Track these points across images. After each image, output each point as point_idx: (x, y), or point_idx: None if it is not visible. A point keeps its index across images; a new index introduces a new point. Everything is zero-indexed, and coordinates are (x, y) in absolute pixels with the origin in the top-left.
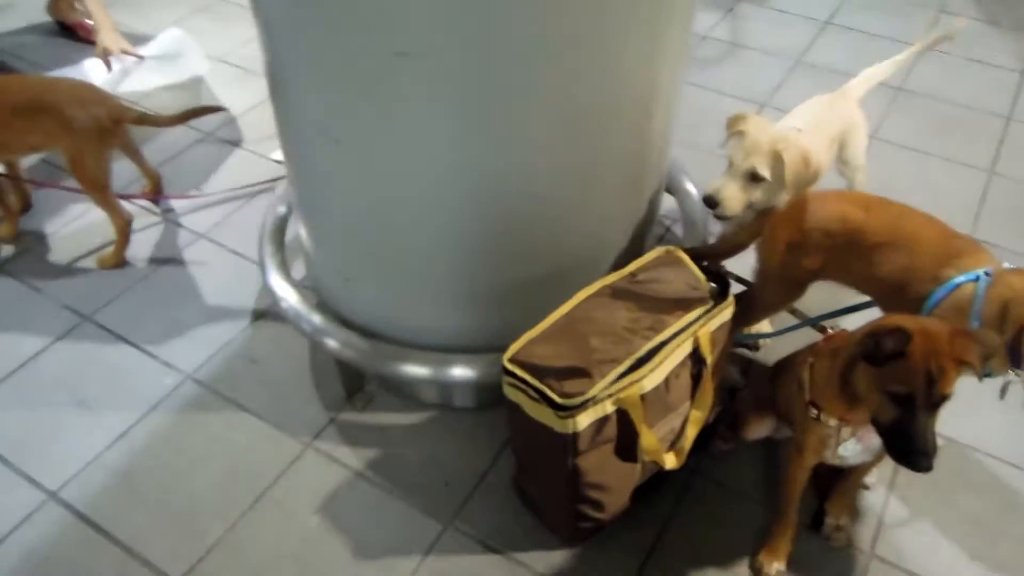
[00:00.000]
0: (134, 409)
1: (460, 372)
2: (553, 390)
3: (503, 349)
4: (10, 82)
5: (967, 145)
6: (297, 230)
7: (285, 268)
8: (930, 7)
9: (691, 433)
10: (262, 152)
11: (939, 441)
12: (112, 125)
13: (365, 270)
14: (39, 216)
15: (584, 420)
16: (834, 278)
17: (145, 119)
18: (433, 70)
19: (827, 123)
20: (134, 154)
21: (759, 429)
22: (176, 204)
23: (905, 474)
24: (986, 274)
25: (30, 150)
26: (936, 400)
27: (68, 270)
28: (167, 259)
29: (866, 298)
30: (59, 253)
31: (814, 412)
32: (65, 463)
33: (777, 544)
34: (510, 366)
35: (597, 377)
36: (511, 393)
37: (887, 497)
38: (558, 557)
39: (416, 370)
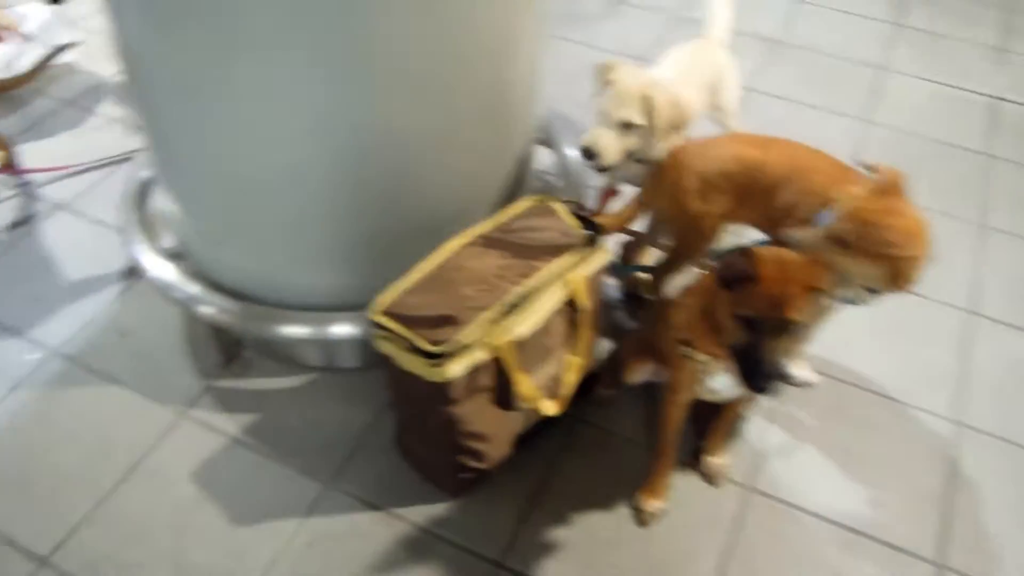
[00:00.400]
0: None
1: (340, 330)
2: (423, 339)
3: None
4: None
5: (842, 95)
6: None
7: (150, 235)
8: None
9: (571, 379)
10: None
11: (816, 377)
12: None
13: (231, 231)
14: None
15: (456, 368)
16: (735, 218)
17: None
18: (275, 14)
19: (697, 69)
20: None
21: (640, 373)
22: (34, 175)
23: (785, 409)
24: None
25: None
26: (783, 325)
27: None
28: (26, 233)
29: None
30: None
31: (685, 349)
32: None
33: (656, 483)
34: (379, 318)
35: (466, 324)
36: (384, 346)
37: (766, 432)
38: (440, 509)
39: (294, 330)
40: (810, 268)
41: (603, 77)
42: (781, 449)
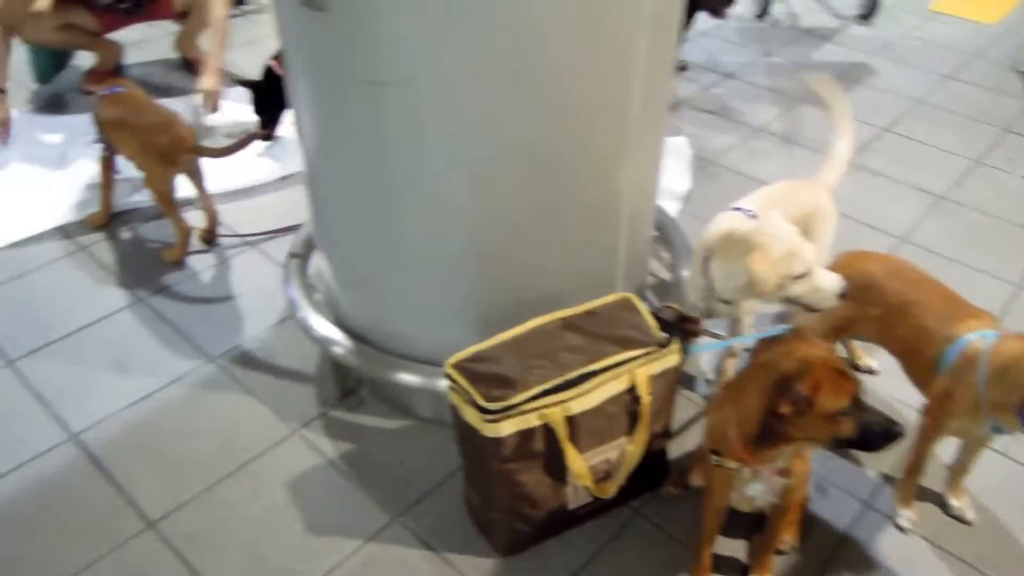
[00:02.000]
0: (160, 378)
1: (439, 384)
2: (481, 394)
3: None
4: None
5: (1000, 258)
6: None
7: (304, 280)
8: (994, 125)
9: (626, 467)
10: None
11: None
12: (171, 151)
13: (365, 281)
14: (127, 213)
15: (507, 427)
16: (861, 331)
17: (199, 150)
18: (406, 101)
19: (783, 206)
20: (199, 186)
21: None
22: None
23: (847, 549)
24: (992, 335)
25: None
26: (860, 398)
27: (138, 259)
28: (221, 262)
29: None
30: (134, 243)
31: (714, 458)
32: (91, 412)
33: None
34: (450, 370)
35: (522, 388)
36: (453, 397)
37: (831, 556)
38: (486, 564)
39: (395, 377)
40: (829, 348)
41: (736, 249)
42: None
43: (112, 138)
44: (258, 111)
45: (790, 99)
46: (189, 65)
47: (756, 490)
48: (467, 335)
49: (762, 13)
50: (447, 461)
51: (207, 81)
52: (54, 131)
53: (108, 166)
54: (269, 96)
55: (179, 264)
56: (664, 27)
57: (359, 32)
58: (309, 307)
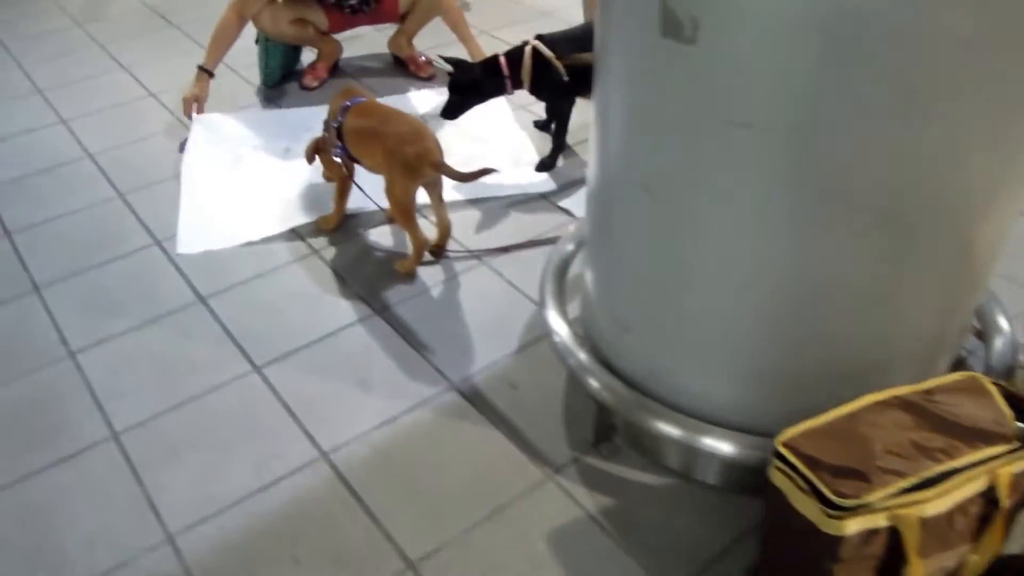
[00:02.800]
0: (403, 400)
1: (713, 444)
2: (826, 485)
3: (759, 433)
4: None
5: None
6: (579, 270)
7: (562, 304)
8: None
9: None
10: (553, 200)
11: None
12: (417, 163)
13: (646, 323)
14: (358, 220)
15: (853, 526)
16: None
17: (441, 167)
18: (765, 148)
19: None
20: (436, 198)
21: None
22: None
23: None
24: None
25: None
26: None
27: (367, 267)
28: (451, 278)
29: None
30: (362, 250)
31: None
32: (339, 430)
33: None
34: (783, 450)
35: (877, 485)
36: (778, 478)
37: None
38: None
39: (671, 430)
40: None
41: None
42: None
43: (355, 148)
44: (452, 90)
45: None
46: (400, 63)
47: None
48: (750, 395)
49: None
50: (720, 533)
51: None
52: (278, 127)
53: (348, 174)
54: (474, 85)
55: (411, 276)
56: None
57: (724, 68)
58: (574, 340)
